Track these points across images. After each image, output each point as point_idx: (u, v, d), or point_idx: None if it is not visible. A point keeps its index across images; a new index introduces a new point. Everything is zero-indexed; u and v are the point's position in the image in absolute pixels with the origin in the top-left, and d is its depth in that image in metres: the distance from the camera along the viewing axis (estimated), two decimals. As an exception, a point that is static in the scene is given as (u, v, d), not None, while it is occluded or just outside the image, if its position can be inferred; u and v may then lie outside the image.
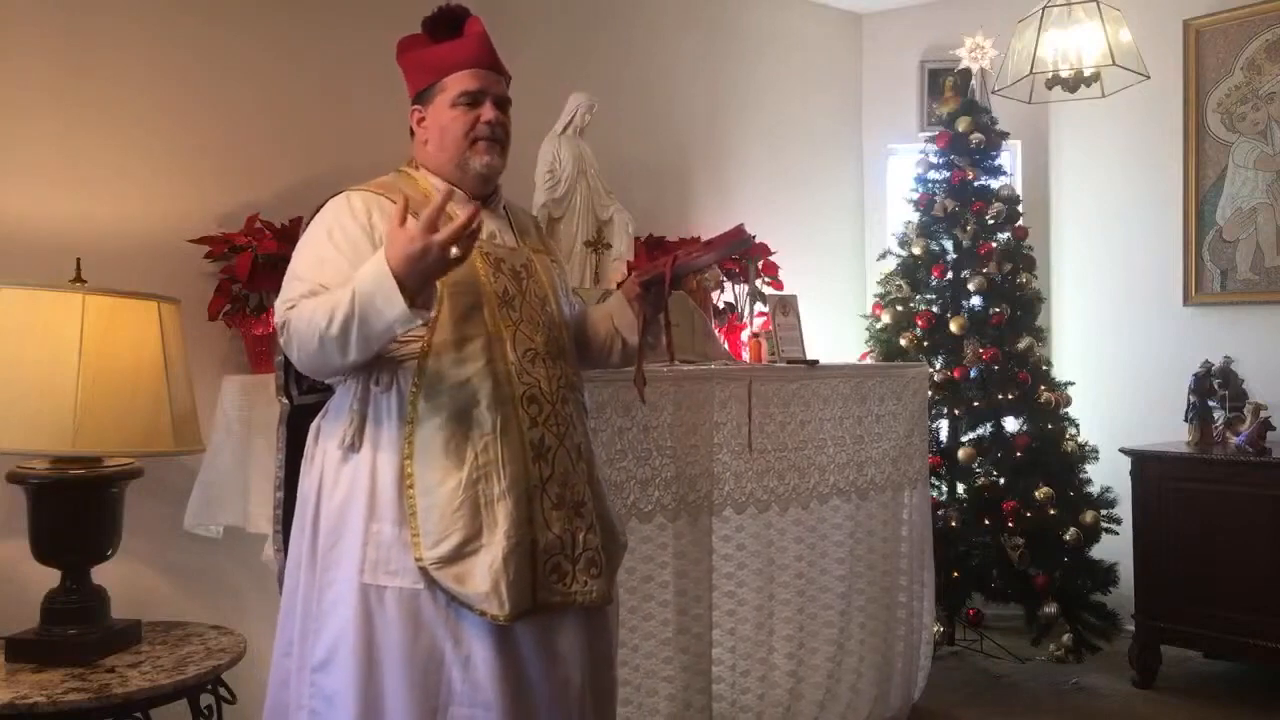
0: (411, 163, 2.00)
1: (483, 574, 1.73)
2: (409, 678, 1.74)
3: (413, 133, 1.99)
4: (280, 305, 1.82)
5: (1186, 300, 4.39)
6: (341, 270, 1.77)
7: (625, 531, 2.07)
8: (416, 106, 1.96)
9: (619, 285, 2.26)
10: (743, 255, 2.04)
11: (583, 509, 1.87)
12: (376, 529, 1.77)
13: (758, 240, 2.49)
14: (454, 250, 1.60)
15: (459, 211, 1.73)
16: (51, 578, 2.35)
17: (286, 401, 2.03)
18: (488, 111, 1.90)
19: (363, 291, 1.64)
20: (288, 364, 1.95)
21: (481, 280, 1.85)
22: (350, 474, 1.81)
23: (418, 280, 1.61)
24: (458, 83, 1.90)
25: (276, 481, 2.04)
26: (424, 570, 1.74)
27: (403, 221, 1.61)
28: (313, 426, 1.92)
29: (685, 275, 2.04)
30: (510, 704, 1.76)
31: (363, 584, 1.76)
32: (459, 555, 1.74)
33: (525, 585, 1.76)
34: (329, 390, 1.93)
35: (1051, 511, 4.09)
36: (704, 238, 4.03)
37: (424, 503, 1.75)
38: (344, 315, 1.66)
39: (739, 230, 1.94)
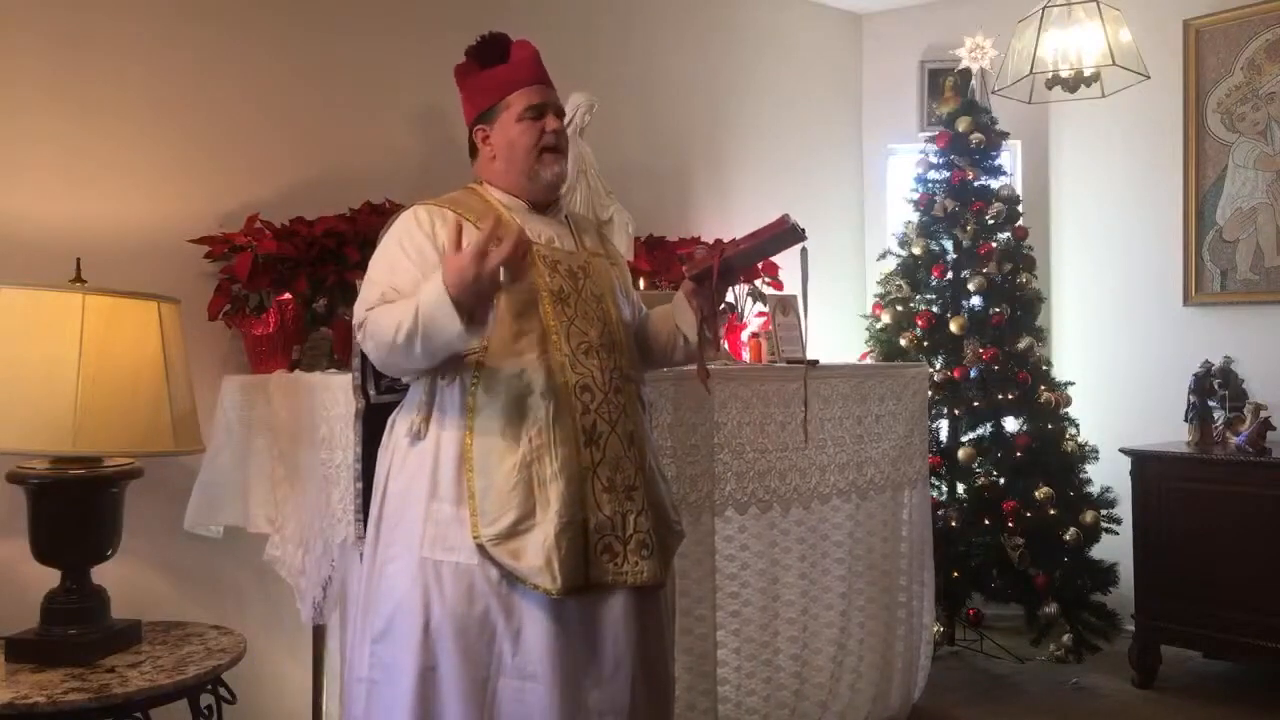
0: (477, 180, 2.14)
1: (536, 550, 1.84)
2: (462, 648, 1.85)
3: (473, 151, 2.14)
4: (359, 307, 1.95)
5: (1186, 300, 4.39)
6: (410, 274, 1.92)
7: (680, 520, 2.16)
8: (481, 126, 2.10)
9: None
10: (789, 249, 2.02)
11: (634, 493, 1.96)
12: (436, 507, 1.90)
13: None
14: (502, 274, 1.72)
15: (510, 229, 1.83)
16: (51, 578, 2.35)
17: (364, 400, 2.18)
18: (551, 122, 2.06)
19: (425, 310, 1.76)
20: (364, 364, 2.11)
21: (538, 280, 1.98)
22: (416, 459, 1.95)
23: (471, 301, 1.73)
24: (522, 98, 2.05)
25: (355, 473, 2.20)
26: (480, 547, 1.85)
27: (457, 246, 1.75)
28: (389, 420, 2.06)
29: (737, 268, 2.08)
30: (558, 678, 1.85)
31: (422, 558, 1.89)
32: (514, 533, 1.85)
33: (577, 562, 1.87)
34: (405, 390, 2.07)
35: (1051, 511, 4.09)
36: (703, 238, 4.08)
37: (481, 484, 1.87)
38: (409, 329, 1.79)
39: (783, 220, 1.96)
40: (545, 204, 2.12)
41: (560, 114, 2.11)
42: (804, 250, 2.11)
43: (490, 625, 1.86)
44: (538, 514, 1.86)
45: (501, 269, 1.71)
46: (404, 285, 1.90)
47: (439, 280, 1.75)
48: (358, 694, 1.96)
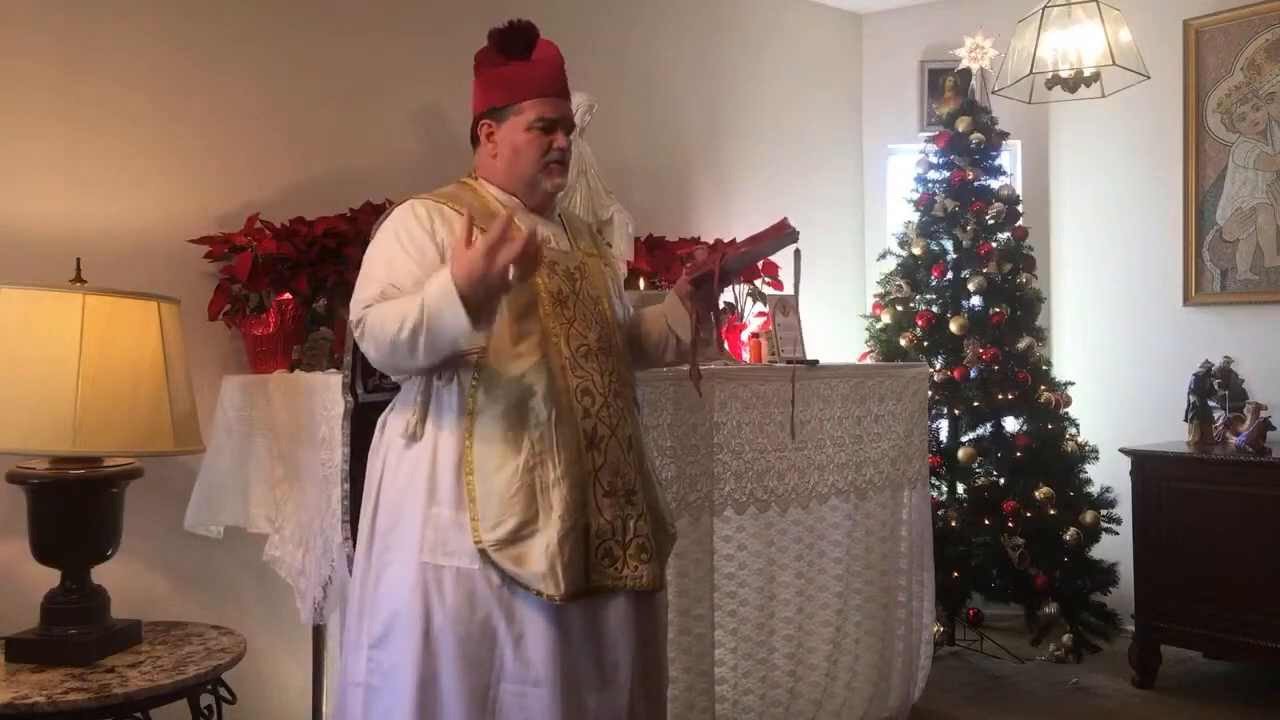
0: (472, 174, 2.09)
1: (540, 555, 1.82)
2: (463, 653, 1.83)
3: (475, 142, 2.08)
4: (356, 305, 1.90)
5: (1186, 300, 4.39)
6: (410, 271, 1.86)
7: (674, 524, 2.15)
8: (487, 121, 2.04)
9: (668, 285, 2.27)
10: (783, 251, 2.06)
11: (634, 497, 1.95)
12: (435, 512, 1.87)
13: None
14: (513, 272, 1.67)
15: (520, 229, 1.77)
16: (51, 578, 2.35)
17: (351, 399, 2.14)
18: (561, 139, 2.02)
19: (431, 304, 1.71)
20: (354, 363, 2.08)
21: (537, 282, 1.94)
22: (412, 461, 1.91)
23: (480, 298, 1.69)
24: (536, 108, 2.00)
25: (342, 474, 2.15)
26: (482, 552, 1.82)
27: (468, 240, 1.69)
28: (380, 420, 2.03)
29: (736, 270, 2.07)
30: (560, 682, 1.84)
31: (421, 562, 1.85)
32: (517, 538, 1.83)
33: (580, 567, 1.85)
34: (394, 390, 2.02)
35: (1051, 511, 4.09)
36: (702, 238, 4.08)
37: (482, 489, 1.84)
38: (413, 324, 1.74)
39: (783, 224, 1.98)
40: (541, 206, 2.09)
41: (571, 129, 2.07)
42: (797, 252, 2.12)
43: (491, 631, 1.84)
44: (540, 519, 1.84)
45: (511, 267, 1.66)
46: (404, 282, 1.85)
47: (446, 276, 1.69)
48: (353, 698, 1.92)
